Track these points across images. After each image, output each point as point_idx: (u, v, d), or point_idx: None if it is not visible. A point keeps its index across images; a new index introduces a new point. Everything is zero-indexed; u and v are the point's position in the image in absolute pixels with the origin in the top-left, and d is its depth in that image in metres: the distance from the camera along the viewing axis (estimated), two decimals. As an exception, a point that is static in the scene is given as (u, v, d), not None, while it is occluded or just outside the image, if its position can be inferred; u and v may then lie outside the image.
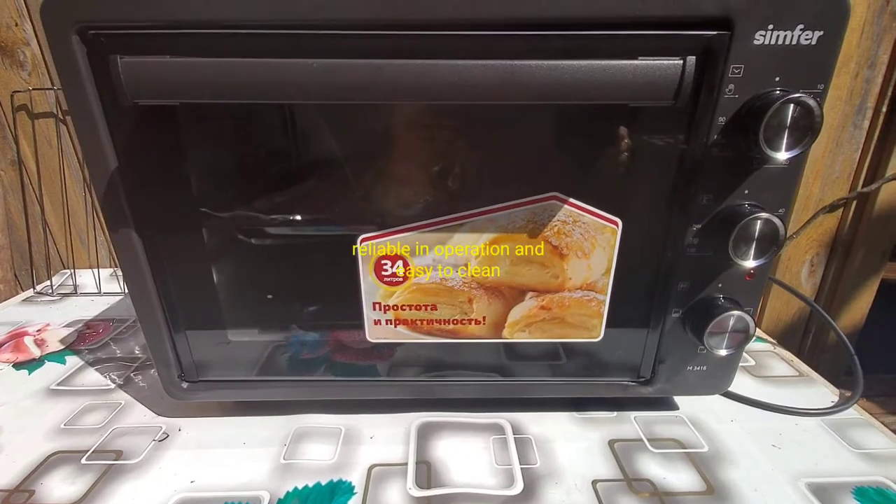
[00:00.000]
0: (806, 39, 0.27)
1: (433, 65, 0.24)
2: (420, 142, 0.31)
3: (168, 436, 0.39)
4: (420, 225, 0.32)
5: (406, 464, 0.36)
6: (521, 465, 0.36)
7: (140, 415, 0.41)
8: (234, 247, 0.34)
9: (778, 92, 0.28)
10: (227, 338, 0.36)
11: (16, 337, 0.55)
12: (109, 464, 0.36)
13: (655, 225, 0.33)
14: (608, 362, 0.38)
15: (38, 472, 0.35)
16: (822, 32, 0.27)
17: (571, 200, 0.32)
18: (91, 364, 0.49)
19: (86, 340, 0.54)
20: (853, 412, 0.41)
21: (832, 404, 0.42)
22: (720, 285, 0.34)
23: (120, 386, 0.45)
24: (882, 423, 0.94)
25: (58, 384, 0.46)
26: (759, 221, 0.30)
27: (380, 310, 0.35)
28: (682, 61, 0.23)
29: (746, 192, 0.31)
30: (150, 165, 0.31)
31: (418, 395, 0.39)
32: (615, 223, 0.32)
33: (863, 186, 0.70)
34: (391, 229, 0.32)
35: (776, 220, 0.30)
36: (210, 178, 0.32)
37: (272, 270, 0.35)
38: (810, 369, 0.47)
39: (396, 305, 0.35)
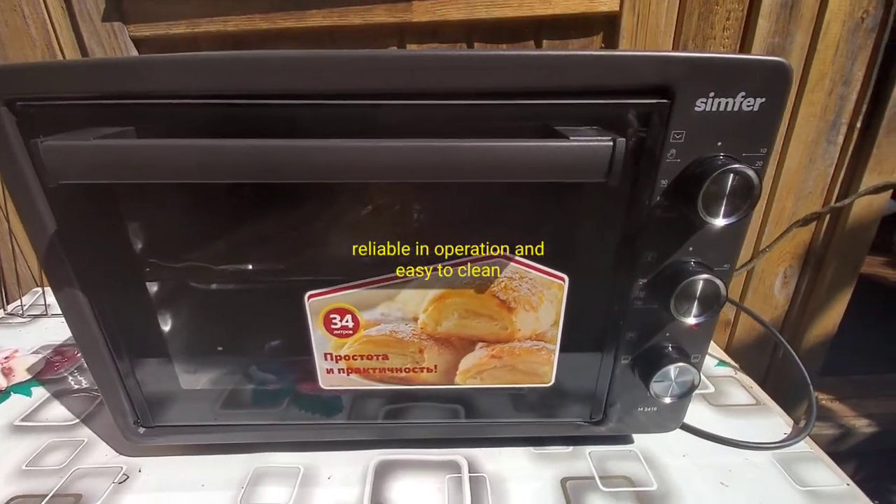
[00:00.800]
0: (748, 106, 0.27)
1: (364, 147, 0.23)
2: (364, 203, 0.31)
3: (128, 477, 0.39)
4: (366, 283, 0.32)
5: (361, 507, 0.36)
6: (473, 507, 0.36)
7: (102, 454, 0.41)
8: (180, 300, 0.34)
9: (720, 158, 0.28)
10: (180, 386, 0.36)
11: (-16, 366, 0.55)
12: (67, 510, 0.36)
13: (602, 280, 0.33)
14: (561, 404, 0.38)
15: (-4, 521, 0.36)
16: (763, 99, 0.27)
17: (518, 258, 0.32)
18: (56, 396, 0.49)
19: (53, 368, 0.54)
20: (804, 445, 0.42)
21: (784, 436, 0.43)
22: (668, 335, 0.35)
23: (83, 421, 0.45)
24: (854, 425, 0.96)
25: (21, 419, 0.46)
26: (700, 282, 0.30)
27: (331, 360, 0.35)
28: (612, 142, 0.23)
29: (691, 249, 0.31)
30: (89, 228, 0.30)
31: (377, 436, 0.40)
32: (562, 279, 0.32)
33: (836, 201, 0.71)
34: (338, 286, 0.32)
35: (718, 282, 0.30)
36: (152, 235, 0.32)
37: (220, 322, 0.35)
38: (768, 398, 0.48)
39: (348, 356, 0.35)
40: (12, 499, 0.37)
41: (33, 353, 0.57)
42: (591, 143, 0.23)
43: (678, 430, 0.43)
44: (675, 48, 0.62)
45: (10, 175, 0.27)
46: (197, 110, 0.25)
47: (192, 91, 0.25)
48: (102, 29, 0.60)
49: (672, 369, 0.34)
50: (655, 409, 0.38)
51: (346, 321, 0.34)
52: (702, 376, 0.51)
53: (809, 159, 0.68)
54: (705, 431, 0.43)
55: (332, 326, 0.34)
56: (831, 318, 0.80)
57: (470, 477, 0.39)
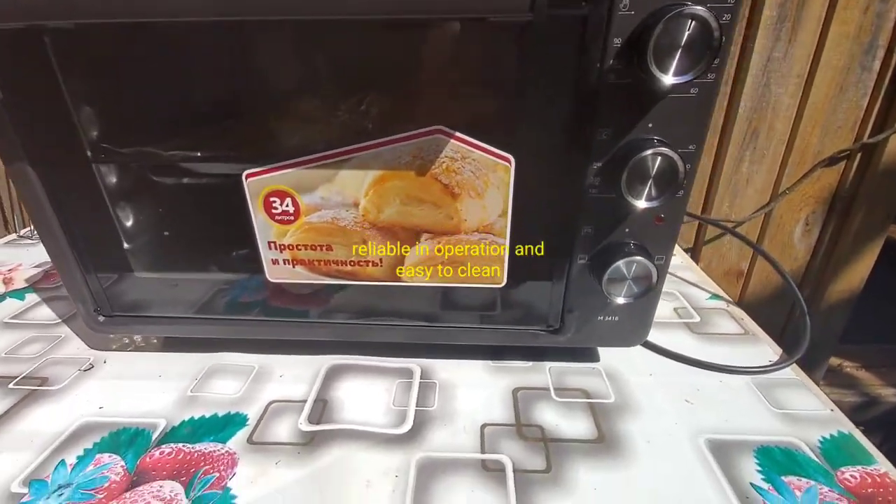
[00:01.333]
0: (709, -61, 0.23)
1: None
2: (297, 70, 0.29)
3: (93, 367, 0.40)
4: (303, 161, 0.31)
5: (305, 401, 0.36)
6: (417, 407, 0.35)
7: (75, 347, 0.43)
8: (128, 184, 0.34)
9: (679, 4, 0.24)
10: (133, 273, 0.37)
11: (-13, 275, 0.58)
12: (32, 389, 0.38)
13: (552, 162, 0.30)
14: (518, 310, 0.36)
15: (-32, 393, 0.38)
16: (728, -71, 0.23)
17: (458, 135, 0.29)
18: (46, 301, 0.51)
19: (50, 280, 0.56)
20: (790, 373, 0.39)
21: (769, 364, 0.39)
22: (627, 230, 0.32)
23: (64, 321, 0.47)
24: (880, 394, 0.89)
25: (11, 318, 0.48)
26: (656, 158, 0.27)
27: (276, 249, 0.34)
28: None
29: (650, 125, 0.28)
30: (32, 99, 0.30)
31: (334, 336, 0.39)
32: (508, 160, 0.30)
33: (869, 137, 0.64)
34: (275, 164, 0.31)
35: (673, 156, 0.27)
36: (91, 111, 0.31)
37: (166, 209, 0.35)
38: (759, 328, 0.45)
39: (291, 245, 0.34)
40: (-14, 378, 0.39)
41: (35, 266, 0.60)
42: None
43: (649, 353, 0.41)
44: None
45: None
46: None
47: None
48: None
49: (627, 264, 0.31)
50: (617, 318, 0.36)
51: (287, 205, 0.33)
52: (689, 306, 0.48)
53: (839, 88, 0.61)
54: (676, 353, 0.40)
55: (273, 211, 0.33)
56: (857, 272, 0.73)
57: (420, 382, 0.38)
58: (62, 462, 0.31)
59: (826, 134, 0.64)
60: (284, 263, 0.35)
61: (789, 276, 0.46)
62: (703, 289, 0.51)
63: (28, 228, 0.72)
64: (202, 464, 0.31)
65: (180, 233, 0.36)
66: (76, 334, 0.45)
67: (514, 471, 0.30)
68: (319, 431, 0.33)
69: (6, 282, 0.56)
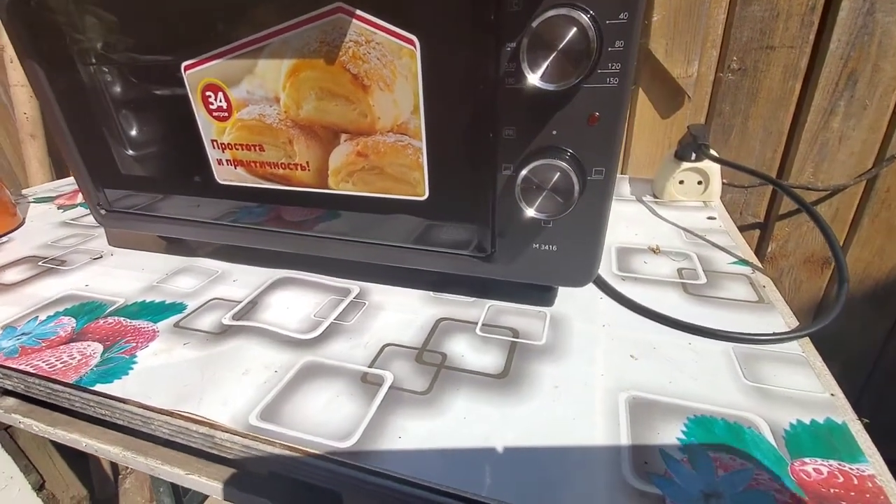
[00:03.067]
0: None
1: None
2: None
3: (101, 257, 0.47)
4: (226, 50, 0.31)
5: (240, 302, 0.37)
6: (334, 320, 0.34)
7: (99, 243, 0.50)
8: (110, 91, 0.38)
9: None
10: (120, 171, 0.41)
11: (76, 192, 0.70)
12: (50, 267, 0.45)
13: (461, 45, 0.26)
14: (448, 231, 0.33)
15: (10, 265, 0.46)
16: None
17: (358, 13, 0.27)
18: (102, 210, 0.60)
19: (115, 197, 0.66)
20: (796, 347, 0.30)
21: (772, 333, 0.30)
22: (555, 132, 0.27)
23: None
24: None
25: (70, 220, 0.57)
26: (568, 25, 0.22)
27: (218, 148, 0.36)
28: None
29: None
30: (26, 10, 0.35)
31: (279, 246, 0.39)
32: (412, 42, 0.27)
33: None
34: (203, 56, 0.32)
35: (583, 20, 0.21)
36: (84, 28, 0.35)
37: (134, 112, 0.38)
38: (780, 298, 0.35)
39: (230, 144, 0.35)
40: (28, 256, 0.47)
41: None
42: None
43: (615, 307, 0.34)
44: None
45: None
46: None
47: None
48: None
49: (543, 168, 0.26)
50: (555, 248, 0.30)
51: (220, 100, 0.33)
52: (699, 267, 0.39)
53: None
54: (643, 306, 0.33)
55: (210, 107, 0.34)
56: None
57: (352, 301, 0.37)
58: (35, 318, 0.37)
59: (968, 76, 0.47)
60: (227, 164, 0.36)
61: (828, 227, 0.35)
62: (730, 252, 0.42)
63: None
64: (127, 335, 0.34)
65: (155, 138, 0.39)
66: (106, 235, 0.52)
67: (390, 388, 0.28)
68: (234, 326, 0.34)
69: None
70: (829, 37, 0.49)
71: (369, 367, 0.29)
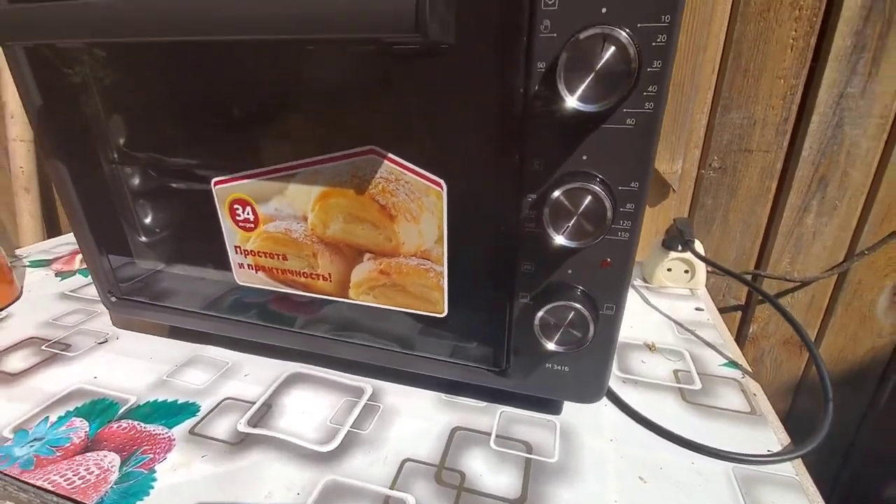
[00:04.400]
0: (636, -41, 0.21)
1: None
2: (245, 90, 0.32)
3: (107, 341, 0.46)
4: (258, 172, 0.33)
5: (254, 403, 0.38)
6: (350, 428, 0.35)
7: (102, 323, 0.50)
8: (135, 183, 0.39)
9: (601, 28, 0.22)
10: (136, 263, 0.42)
11: (73, 254, 0.69)
12: (55, 353, 0.44)
13: (485, 191, 0.29)
14: (465, 345, 0.35)
15: (13, 349, 0.45)
16: (658, -52, 0.21)
17: (390, 156, 0.30)
18: (102, 280, 0.60)
19: (114, 263, 0.66)
20: (789, 469, 0.32)
21: (768, 453, 0.33)
22: (570, 272, 0.29)
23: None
24: None
25: (70, 291, 0.57)
26: (582, 193, 0.25)
27: (241, 253, 0.37)
28: (414, -12, 0.20)
29: (584, 158, 0.26)
30: (65, 107, 0.37)
31: (294, 344, 0.40)
32: (439, 185, 0.29)
33: None
34: (236, 174, 0.34)
35: (600, 192, 0.24)
36: (110, 127, 0.37)
37: (160, 210, 0.40)
38: (770, 409, 0.37)
39: (253, 251, 0.36)
40: (30, 338, 0.47)
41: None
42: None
43: (620, 416, 0.36)
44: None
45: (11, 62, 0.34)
46: None
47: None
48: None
49: (561, 309, 0.28)
50: (567, 369, 0.32)
51: (248, 213, 0.35)
52: (693, 370, 0.42)
53: (940, 133, 0.50)
54: (650, 420, 0.35)
55: (237, 217, 0.36)
56: (973, 362, 0.58)
57: (366, 404, 0.38)
58: (46, 419, 0.36)
59: (922, 188, 0.52)
60: (248, 268, 0.38)
61: (816, 350, 0.38)
62: (720, 352, 0.45)
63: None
64: (144, 444, 0.34)
65: (179, 232, 0.40)
66: (108, 311, 0.52)
67: (413, 513, 0.28)
68: (251, 434, 0.34)
69: (83, 261, 0.67)
70: (801, 144, 0.54)
71: (391, 488, 0.30)
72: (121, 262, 0.43)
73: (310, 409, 0.37)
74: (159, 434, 0.35)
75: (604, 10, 0.22)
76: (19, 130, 0.84)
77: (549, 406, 0.37)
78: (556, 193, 0.25)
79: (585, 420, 0.36)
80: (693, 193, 0.61)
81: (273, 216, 0.34)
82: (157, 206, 0.40)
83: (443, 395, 0.39)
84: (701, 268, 0.55)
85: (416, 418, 0.36)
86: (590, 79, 0.22)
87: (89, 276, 0.61)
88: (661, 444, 0.34)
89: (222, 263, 0.38)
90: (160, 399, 0.38)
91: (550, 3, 0.23)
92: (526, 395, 0.36)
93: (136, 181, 0.40)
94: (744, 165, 0.57)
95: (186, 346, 0.45)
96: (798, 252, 0.59)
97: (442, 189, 0.29)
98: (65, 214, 0.45)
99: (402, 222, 0.31)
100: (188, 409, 0.37)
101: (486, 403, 0.38)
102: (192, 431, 0.35)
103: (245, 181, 0.34)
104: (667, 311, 0.52)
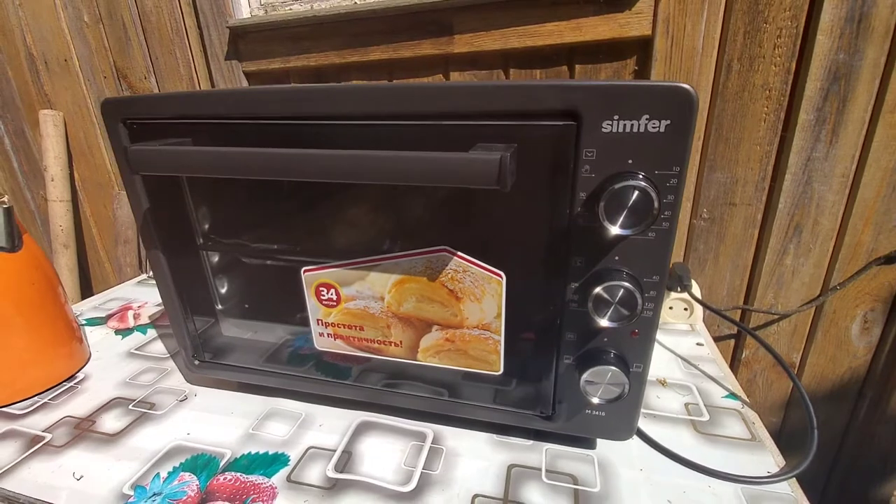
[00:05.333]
0: (653, 128, 0.30)
1: (314, 154, 0.32)
2: (341, 205, 0.39)
3: (186, 398, 0.52)
4: (344, 263, 0.40)
5: (335, 450, 0.44)
6: (423, 469, 0.42)
7: (176, 380, 0.56)
8: (222, 267, 0.46)
9: (629, 175, 0.30)
10: (222, 333, 0.48)
11: (124, 310, 0.75)
12: (143, 412, 0.50)
13: (536, 281, 0.37)
14: (516, 395, 0.42)
15: (102, 409, 0.51)
16: (668, 122, 0.29)
17: (459, 254, 0.37)
18: (161, 337, 0.66)
19: (164, 319, 0.72)
20: (786, 488, 0.39)
21: (768, 475, 0.40)
22: (605, 340, 0.37)
23: (172, 356, 0.61)
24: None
25: (136, 349, 0.63)
26: (617, 288, 0.32)
27: (322, 325, 0.44)
28: (499, 156, 0.28)
29: (616, 258, 0.34)
30: (167, 210, 0.43)
31: (363, 398, 0.47)
32: (499, 275, 0.37)
33: (932, 238, 0.60)
34: (324, 265, 0.41)
35: (632, 288, 0.32)
36: (208, 220, 0.44)
37: (249, 288, 0.46)
38: (767, 435, 0.45)
39: (334, 323, 0.43)
40: (114, 398, 0.53)
41: (156, 305, 0.76)
42: (482, 156, 0.29)
43: (646, 448, 0.43)
44: (717, 70, 0.60)
45: (123, 171, 0.41)
46: (238, 128, 0.36)
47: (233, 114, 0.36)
48: (225, 66, 0.79)
49: (602, 371, 0.36)
50: (603, 414, 0.40)
51: (331, 294, 0.42)
52: (701, 403, 0.49)
53: (892, 188, 0.60)
54: (671, 451, 0.42)
55: (322, 297, 0.43)
56: (934, 377, 0.67)
57: (431, 447, 0.44)
58: (157, 475, 0.42)
59: (880, 232, 0.61)
60: (328, 336, 0.44)
61: (798, 381, 0.46)
62: (721, 385, 0.52)
63: (156, 270, 0.91)
64: (252, 493, 0.40)
65: (257, 304, 0.47)
66: (178, 369, 0.58)
67: (491, 541, 0.35)
68: (341, 479, 0.41)
69: (136, 317, 0.73)
70: (777, 199, 0.63)
71: (468, 521, 0.37)
72: (209, 335, 0.49)
73: (384, 454, 0.44)
74: (262, 483, 0.41)
75: (630, 161, 0.31)
76: (58, 192, 0.90)
77: (586, 443, 0.44)
78: (598, 289, 0.33)
79: (617, 453, 0.43)
80: (687, 239, 0.69)
81: (354, 296, 0.42)
82: (243, 283, 0.47)
83: (495, 436, 0.46)
84: (698, 305, 0.63)
85: (475, 458, 0.43)
86: (624, 214, 0.30)
87: (147, 333, 0.67)
88: (682, 471, 0.41)
89: (305, 335, 0.45)
90: (252, 451, 0.45)
91: (590, 154, 0.31)
92: (566, 434, 0.44)
93: (224, 262, 0.46)
94: (729, 216, 0.66)
95: (258, 399, 0.52)
96: (780, 288, 0.68)
97: (501, 279, 0.37)
98: (112, 271, 0.51)
99: (466, 302, 0.39)
100: (280, 460, 0.43)
101: (532, 442, 0.45)
102: (289, 479, 0.41)
103: (332, 270, 0.41)
104: (671, 347, 0.60)
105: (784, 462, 0.42)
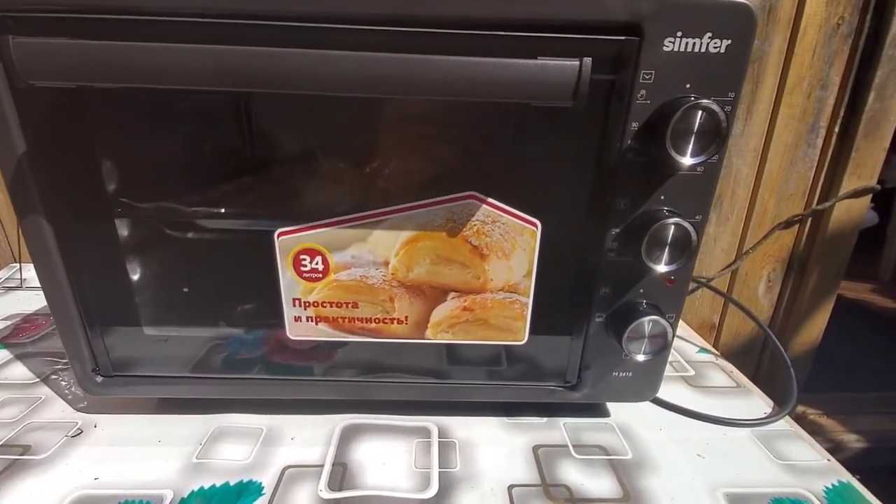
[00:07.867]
0: (714, 48, 0.28)
1: (334, 55, 0.24)
2: (337, 136, 0.31)
3: (82, 431, 0.37)
4: (337, 221, 0.32)
5: (322, 465, 0.35)
6: (440, 468, 0.35)
7: (58, 410, 0.40)
8: (148, 238, 0.34)
9: (688, 98, 0.28)
10: (143, 332, 0.35)
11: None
12: (14, 458, 0.34)
13: (575, 228, 0.33)
14: (535, 366, 0.37)
15: (-64, 466, 0.34)
16: (730, 41, 0.28)
17: (490, 200, 0.31)
18: (20, 358, 0.47)
19: (20, 334, 0.52)
20: (784, 424, 0.41)
21: (764, 416, 0.42)
22: (642, 291, 0.34)
23: (43, 380, 0.44)
24: (843, 440, 0.94)
25: (-21, 376, 0.44)
26: (671, 227, 0.30)
27: (300, 306, 0.34)
28: (578, 62, 0.24)
29: (662, 197, 0.31)
30: (59, 152, 0.30)
31: (345, 395, 0.39)
32: (534, 225, 0.32)
33: (817, 204, 0.72)
34: (308, 224, 0.32)
35: (688, 226, 0.30)
36: (121, 167, 0.31)
37: (187, 264, 0.35)
38: (748, 381, 0.47)
39: (317, 302, 0.34)
40: (-44, 447, 0.35)
41: (3, 319, 0.56)
42: (559, 63, 0.24)
43: (655, 407, 0.42)
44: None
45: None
46: (179, 28, 0.26)
47: (171, 9, 0.26)
48: None
49: (646, 323, 0.33)
50: (631, 374, 0.37)
51: (317, 263, 0.33)
52: (682, 359, 0.51)
53: (790, 161, 0.69)
54: (683, 407, 0.42)
55: (302, 269, 0.33)
56: (816, 325, 0.79)
57: (440, 442, 0.38)
58: (56, 544, 0.28)
59: (781, 200, 0.71)
60: (307, 320, 0.35)
61: (767, 328, 0.49)
62: (690, 342, 0.54)
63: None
64: (218, 540, 0.29)
65: (200, 288, 0.35)
66: (58, 396, 0.41)
67: (548, 534, 0.30)
68: (343, 499, 0.32)
69: (-30, 336, 0.52)
70: (705, 171, 0.69)
71: (514, 516, 0.31)
72: (115, 331, 0.36)
73: (387, 459, 0.36)
74: (230, 525, 0.30)
75: (687, 86, 0.28)
76: None
77: (599, 411, 0.42)
78: (652, 230, 0.30)
79: (633, 417, 0.41)
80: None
81: (348, 264, 0.33)
82: (180, 260, 0.35)
83: (504, 419, 0.40)
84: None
85: (494, 445, 0.37)
86: (692, 140, 0.27)
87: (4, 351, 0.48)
88: (694, 424, 0.41)
89: (265, 318, 0.35)
90: (206, 486, 0.33)
91: (648, 76, 0.28)
92: (577, 405, 0.40)
93: (148, 234, 0.34)
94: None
95: (195, 418, 0.39)
96: (705, 255, 0.74)
97: (537, 228, 0.32)
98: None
99: (493, 260, 0.33)
100: (249, 489, 0.33)
101: (545, 419, 0.41)
102: (269, 513, 0.31)
103: (321, 230, 0.32)
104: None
105: (772, 402, 0.44)
